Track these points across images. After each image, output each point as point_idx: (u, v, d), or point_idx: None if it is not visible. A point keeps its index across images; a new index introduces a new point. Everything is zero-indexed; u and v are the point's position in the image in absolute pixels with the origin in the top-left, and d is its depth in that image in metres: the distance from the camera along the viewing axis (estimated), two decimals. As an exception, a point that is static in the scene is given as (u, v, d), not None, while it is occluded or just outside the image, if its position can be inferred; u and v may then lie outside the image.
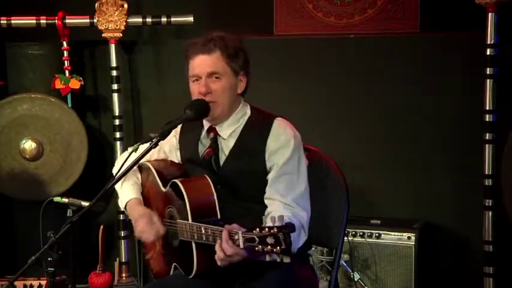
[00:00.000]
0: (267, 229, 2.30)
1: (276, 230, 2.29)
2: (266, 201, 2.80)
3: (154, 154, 3.02)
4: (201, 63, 2.82)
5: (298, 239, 2.72)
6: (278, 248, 2.28)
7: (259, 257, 2.35)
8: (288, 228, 2.30)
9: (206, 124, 2.92)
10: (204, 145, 2.93)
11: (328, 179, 3.01)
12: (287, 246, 2.28)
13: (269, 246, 2.28)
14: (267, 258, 2.31)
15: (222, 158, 2.88)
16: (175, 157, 3.05)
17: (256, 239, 2.31)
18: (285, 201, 2.76)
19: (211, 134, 2.90)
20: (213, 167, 2.88)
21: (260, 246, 2.30)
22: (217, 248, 2.49)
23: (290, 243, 2.29)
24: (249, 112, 2.92)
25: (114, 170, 3.02)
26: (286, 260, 2.28)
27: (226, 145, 2.88)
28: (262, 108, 2.96)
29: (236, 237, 2.40)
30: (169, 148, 3.05)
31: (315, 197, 2.90)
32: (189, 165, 2.97)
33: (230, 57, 2.83)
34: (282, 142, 2.81)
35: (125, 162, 2.73)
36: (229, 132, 2.88)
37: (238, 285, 2.81)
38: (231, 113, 2.88)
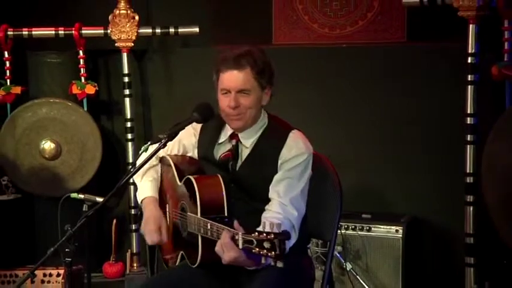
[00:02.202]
0: (264, 234, 2.31)
1: (272, 236, 2.29)
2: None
3: (174, 149, 3.00)
4: (233, 79, 2.77)
5: (289, 239, 2.69)
6: (273, 253, 2.28)
7: (254, 261, 2.36)
8: (283, 235, 2.30)
9: (228, 129, 2.90)
10: (223, 147, 2.92)
11: (323, 178, 3.01)
12: (281, 253, 2.27)
13: (265, 250, 2.29)
14: (263, 260, 2.31)
15: (239, 163, 2.87)
16: (193, 154, 3.03)
17: (255, 241, 2.32)
18: (281, 200, 2.76)
19: (234, 141, 2.88)
20: (229, 169, 2.87)
21: (257, 249, 2.31)
22: (217, 243, 2.51)
23: (284, 250, 2.28)
24: (266, 121, 2.90)
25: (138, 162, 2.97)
26: (279, 264, 2.28)
27: (244, 151, 2.88)
28: (278, 116, 2.94)
29: (236, 237, 2.40)
30: (189, 145, 3.02)
31: (312, 194, 2.90)
32: (205, 162, 2.96)
33: (259, 73, 2.78)
34: (294, 154, 2.81)
35: (136, 159, 2.75)
36: (251, 141, 2.86)
37: (241, 276, 2.80)
38: (253, 123, 2.87)
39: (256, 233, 2.32)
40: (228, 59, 2.78)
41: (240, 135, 2.88)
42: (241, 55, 2.77)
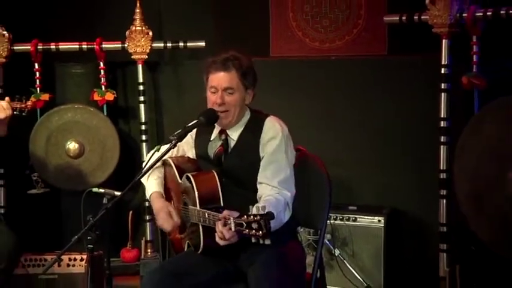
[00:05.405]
0: (252, 216, 2.36)
1: (258, 218, 2.34)
2: (258, 185, 2.81)
3: (174, 152, 3.04)
4: (220, 79, 2.84)
5: (284, 214, 2.74)
6: (260, 232, 2.33)
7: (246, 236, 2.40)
8: (268, 216, 2.35)
9: (217, 128, 2.93)
10: (214, 144, 2.94)
11: (314, 174, 3.03)
12: (267, 231, 2.33)
13: (253, 231, 2.35)
14: (253, 240, 2.37)
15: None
16: (192, 154, 3.06)
17: (244, 224, 2.36)
18: (272, 184, 2.77)
19: (223, 136, 2.92)
20: (222, 162, 2.90)
21: (247, 230, 2.36)
22: (216, 229, 2.54)
23: (270, 229, 2.34)
24: (248, 115, 2.94)
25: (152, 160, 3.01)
26: (267, 242, 2.34)
27: (232, 145, 2.90)
28: (258, 109, 2.97)
29: (229, 222, 2.44)
30: (187, 147, 3.06)
31: (305, 188, 2.93)
32: (202, 160, 2.99)
33: (243, 75, 2.85)
34: (271, 135, 2.83)
35: (149, 160, 2.76)
36: (237, 135, 2.89)
37: (242, 260, 2.86)
38: (238, 119, 2.90)
39: (245, 217, 2.37)
40: (216, 62, 2.85)
41: (227, 130, 2.91)
42: (228, 59, 2.84)
